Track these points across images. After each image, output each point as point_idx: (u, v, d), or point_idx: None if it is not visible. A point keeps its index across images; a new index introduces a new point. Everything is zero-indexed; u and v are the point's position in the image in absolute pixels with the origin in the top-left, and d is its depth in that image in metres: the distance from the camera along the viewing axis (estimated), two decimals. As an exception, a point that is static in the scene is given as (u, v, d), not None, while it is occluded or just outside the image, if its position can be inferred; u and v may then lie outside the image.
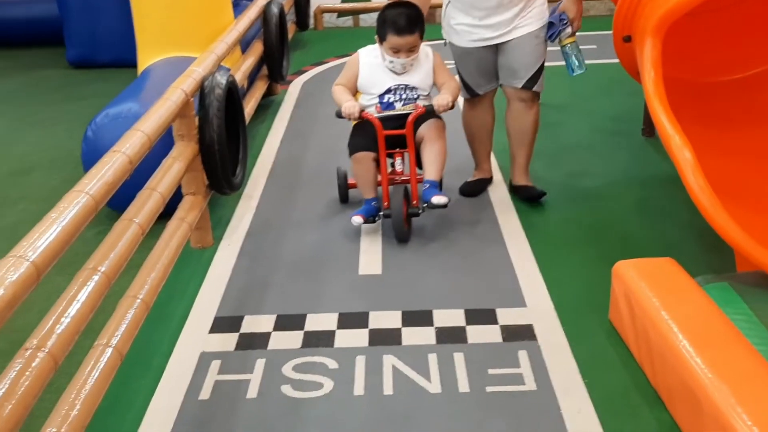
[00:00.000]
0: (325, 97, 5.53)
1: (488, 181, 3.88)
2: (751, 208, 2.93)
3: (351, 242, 3.38)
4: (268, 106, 5.41)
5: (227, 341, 2.70)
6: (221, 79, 3.44)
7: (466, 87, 3.63)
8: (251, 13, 4.89)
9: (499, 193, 3.80)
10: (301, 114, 5.23)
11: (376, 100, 3.38)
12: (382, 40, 3.31)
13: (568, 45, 3.49)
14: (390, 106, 3.37)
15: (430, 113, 3.31)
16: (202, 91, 3.36)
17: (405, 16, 3.23)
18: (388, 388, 2.41)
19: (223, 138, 3.32)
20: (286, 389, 2.43)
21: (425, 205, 3.29)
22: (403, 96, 3.37)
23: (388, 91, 3.37)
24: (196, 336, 2.74)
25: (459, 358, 2.55)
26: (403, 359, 2.56)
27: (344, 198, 3.72)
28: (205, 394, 2.43)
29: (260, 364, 2.56)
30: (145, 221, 2.55)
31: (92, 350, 2.18)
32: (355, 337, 2.68)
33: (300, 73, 6.28)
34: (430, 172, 3.29)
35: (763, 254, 2.55)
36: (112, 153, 2.40)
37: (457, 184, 3.82)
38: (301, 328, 2.75)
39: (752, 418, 1.91)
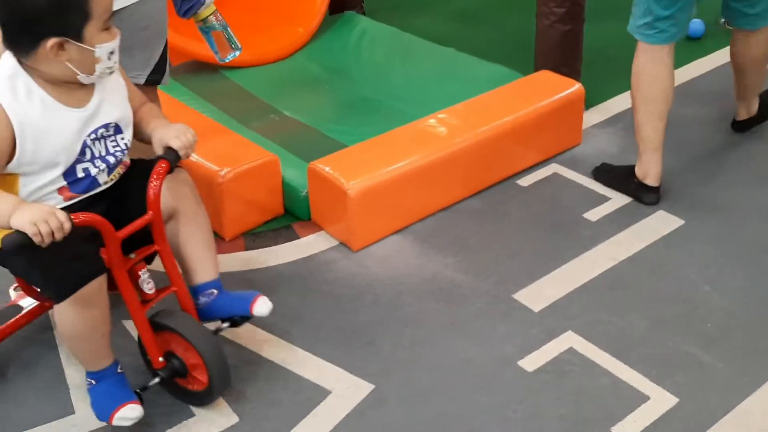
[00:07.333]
0: None
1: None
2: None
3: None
4: None
5: None
6: None
7: None
8: None
9: None
10: None
11: (62, 182, 1.75)
12: (69, 27, 1.62)
13: (208, 18, 2.35)
14: (93, 182, 1.79)
15: (173, 165, 1.80)
16: None
17: None
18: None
19: None
20: None
21: (228, 320, 1.98)
22: (106, 157, 1.79)
23: (82, 152, 1.74)
24: None
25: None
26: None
27: None
28: None
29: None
30: None
31: None
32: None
33: None
34: (206, 268, 1.95)
35: (188, 44, 3.14)
36: None
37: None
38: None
39: (211, 160, 2.55)
